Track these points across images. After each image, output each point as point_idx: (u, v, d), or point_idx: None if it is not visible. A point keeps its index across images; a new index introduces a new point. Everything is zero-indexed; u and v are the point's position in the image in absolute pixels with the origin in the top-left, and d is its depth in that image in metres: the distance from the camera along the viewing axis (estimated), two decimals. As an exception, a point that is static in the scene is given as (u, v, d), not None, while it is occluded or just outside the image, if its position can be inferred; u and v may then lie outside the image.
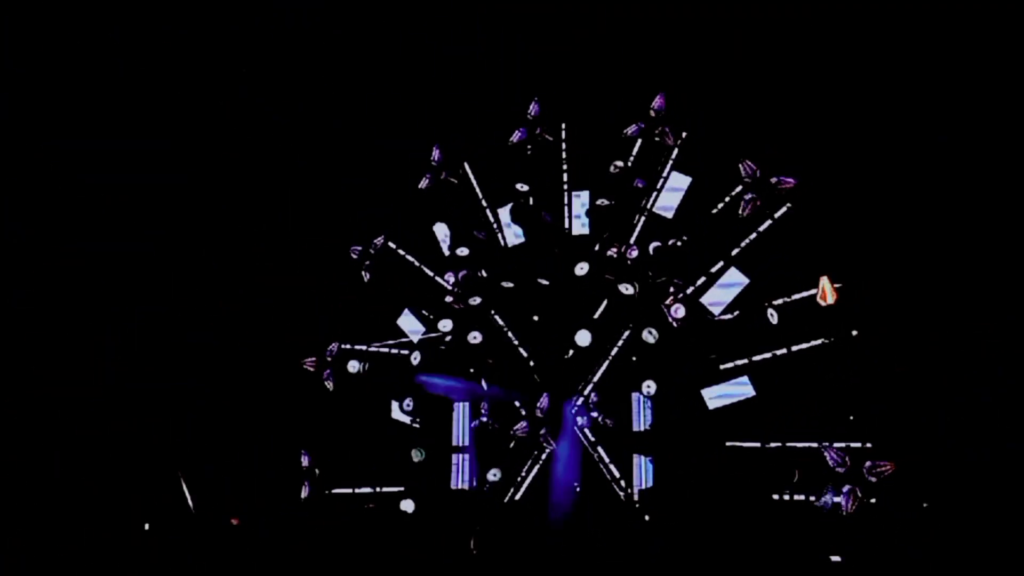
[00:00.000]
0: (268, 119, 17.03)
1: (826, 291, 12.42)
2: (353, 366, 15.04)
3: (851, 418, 12.48)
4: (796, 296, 13.12)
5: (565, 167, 15.28)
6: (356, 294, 15.87)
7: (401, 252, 15.93)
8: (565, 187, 15.23)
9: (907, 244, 13.50)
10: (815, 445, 11.96)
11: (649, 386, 13.20)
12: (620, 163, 14.58)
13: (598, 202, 14.54)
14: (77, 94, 16.86)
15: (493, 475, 13.93)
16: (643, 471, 13.52)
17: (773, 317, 12.98)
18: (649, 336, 13.73)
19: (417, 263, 15.89)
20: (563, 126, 15.37)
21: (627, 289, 13.81)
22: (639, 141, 14.76)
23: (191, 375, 15.93)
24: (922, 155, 13.97)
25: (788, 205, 13.64)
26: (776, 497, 12.54)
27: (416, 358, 14.70)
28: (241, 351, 15.90)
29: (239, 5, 16.62)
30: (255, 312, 16.11)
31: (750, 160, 13.49)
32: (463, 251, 15.14)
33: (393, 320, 15.69)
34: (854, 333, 12.73)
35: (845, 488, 11.42)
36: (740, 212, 13.62)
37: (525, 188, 15.02)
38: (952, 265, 12.89)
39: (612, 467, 13.70)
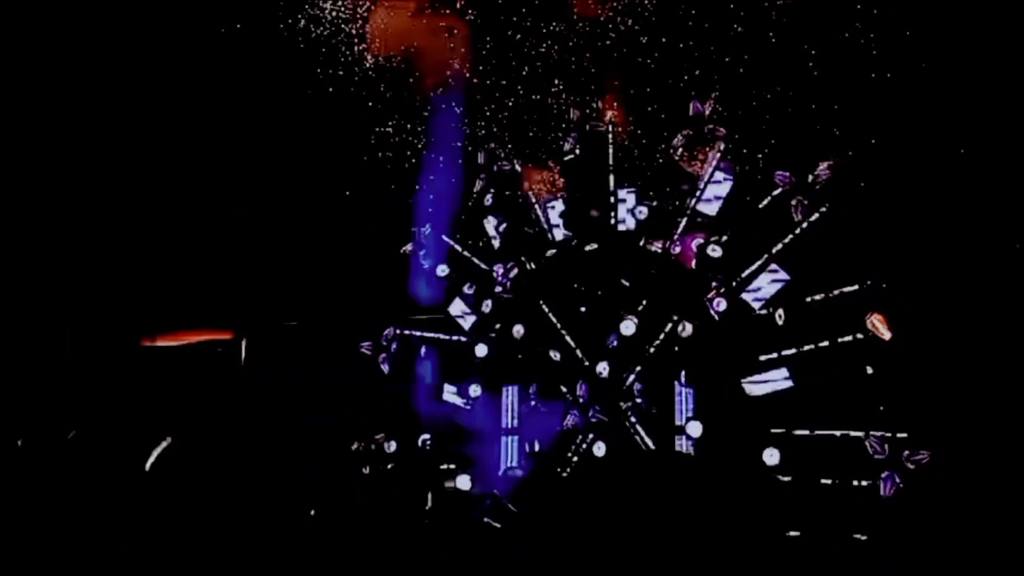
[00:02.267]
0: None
1: (878, 327, 13.12)
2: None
3: (881, 408, 13.23)
4: (835, 292, 13.88)
5: (612, 164, 15.98)
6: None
7: (451, 243, 16.75)
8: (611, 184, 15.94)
9: (944, 241, 14.08)
10: (856, 433, 12.70)
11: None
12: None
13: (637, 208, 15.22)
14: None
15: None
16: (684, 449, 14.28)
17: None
18: (684, 329, 14.45)
19: (466, 253, 16.71)
20: (609, 123, 16.02)
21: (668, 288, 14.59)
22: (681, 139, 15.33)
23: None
24: (960, 154, 14.46)
25: (827, 206, 14.34)
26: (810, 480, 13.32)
27: (481, 350, 15.47)
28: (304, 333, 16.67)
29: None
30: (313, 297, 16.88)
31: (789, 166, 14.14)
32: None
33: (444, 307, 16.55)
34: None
35: (884, 474, 12.21)
36: (794, 213, 14.20)
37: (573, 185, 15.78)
38: (990, 262, 13.46)
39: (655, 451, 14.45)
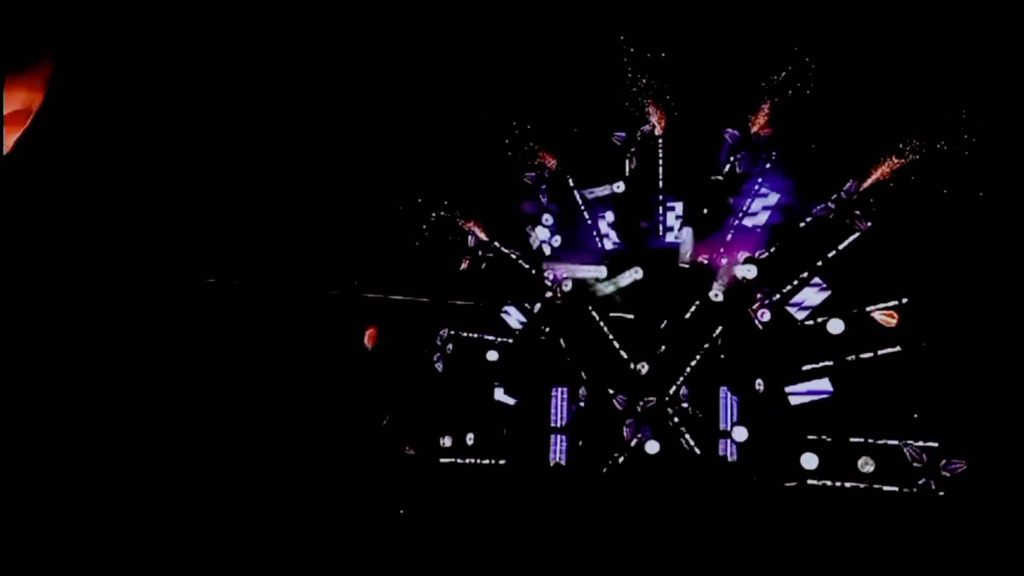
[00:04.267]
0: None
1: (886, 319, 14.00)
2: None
3: (915, 416, 13.94)
4: (875, 307, 14.60)
5: (661, 176, 16.69)
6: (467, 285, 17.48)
7: (505, 250, 17.54)
8: (660, 196, 16.67)
9: (977, 263, 14.70)
10: (895, 442, 13.44)
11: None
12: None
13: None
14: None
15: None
16: (728, 454, 15.04)
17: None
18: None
19: (518, 258, 17.50)
20: (660, 136, 16.70)
21: (716, 296, 15.31)
22: (732, 159, 16.08)
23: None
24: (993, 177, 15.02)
25: (869, 223, 15.03)
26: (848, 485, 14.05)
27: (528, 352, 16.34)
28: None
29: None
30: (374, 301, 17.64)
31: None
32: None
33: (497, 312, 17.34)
34: (923, 344, 14.19)
35: (921, 481, 12.95)
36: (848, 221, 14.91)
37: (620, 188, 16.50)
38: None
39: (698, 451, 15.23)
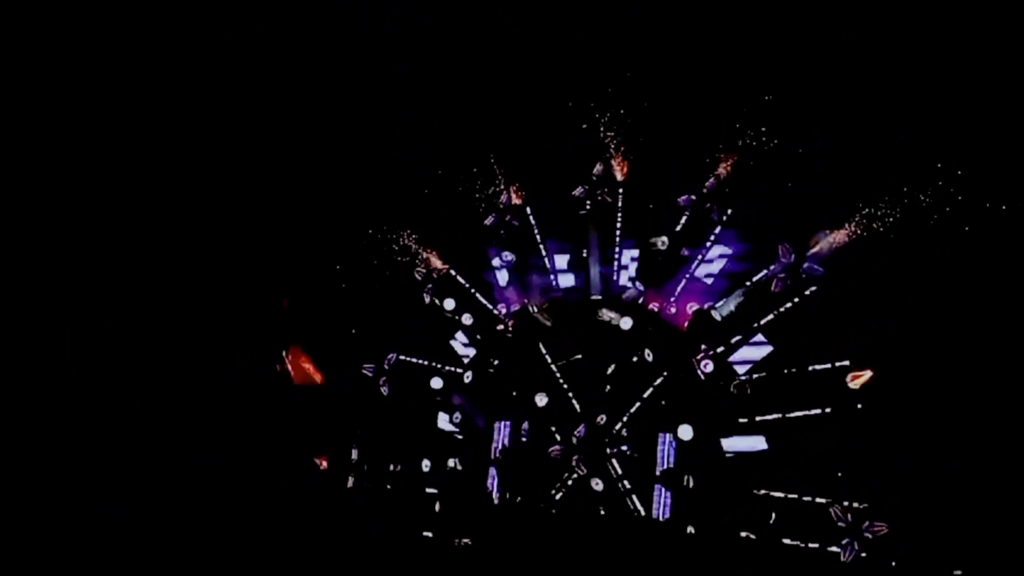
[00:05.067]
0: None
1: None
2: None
3: (839, 475, 14.34)
4: (814, 367, 15.05)
5: (619, 225, 17.08)
6: (416, 313, 17.56)
7: (461, 280, 17.70)
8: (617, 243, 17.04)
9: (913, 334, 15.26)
10: (823, 500, 13.81)
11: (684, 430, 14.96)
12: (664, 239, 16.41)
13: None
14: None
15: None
16: (662, 502, 15.24)
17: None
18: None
19: (473, 290, 17.66)
20: (620, 189, 17.14)
21: (648, 356, 15.69)
22: (686, 213, 16.56)
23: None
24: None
25: (814, 288, 15.56)
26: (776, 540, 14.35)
27: (468, 377, 16.42)
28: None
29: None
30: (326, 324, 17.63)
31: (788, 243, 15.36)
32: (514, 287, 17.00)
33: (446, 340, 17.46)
34: (859, 406, 14.65)
35: (844, 541, 13.31)
36: (772, 288, 15.45)
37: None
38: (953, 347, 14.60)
39: (634, 496, 15.43)
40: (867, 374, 14.34)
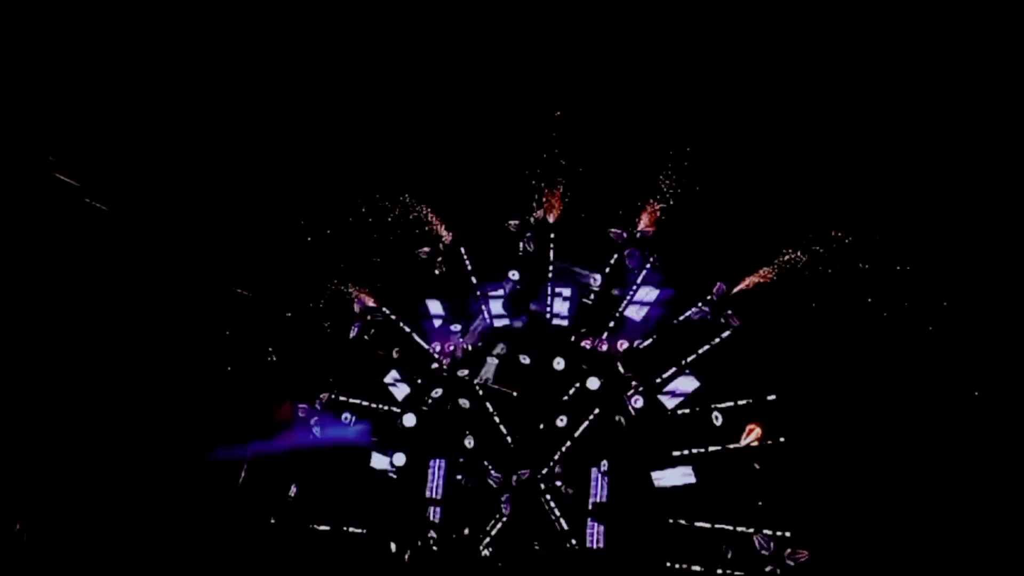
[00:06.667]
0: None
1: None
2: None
3: (760, 503, 15.03)
4: (738, 402, 15.78)
5: (551, 264, 17.55)
6: (348, 351, 17.59)
7: (394, 318, 17.83)
8: (549, 281, 17.48)
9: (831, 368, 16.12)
10: (747, 529, 14.44)
11: (604, 465, 15.42)
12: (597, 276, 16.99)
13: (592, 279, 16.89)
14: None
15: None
16: (595, 535, 15.62)
17: (717, 419, 15.53)
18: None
19: (408, 329, 17.80)
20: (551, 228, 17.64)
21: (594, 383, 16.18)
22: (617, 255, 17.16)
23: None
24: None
25: (736, 324, 16.34)
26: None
27: (410, 420, 16.53)
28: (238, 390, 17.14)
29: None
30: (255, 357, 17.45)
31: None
32: (455, 327, 17.23)
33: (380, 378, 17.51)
34: (782, 439, 15.41)
35: (767, 569, 13.96)
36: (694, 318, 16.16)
37: (515, 276, 17.24)
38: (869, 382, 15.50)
39: (568, 530, 15.75)
40: (756, 430, 15.14)
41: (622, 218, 17.12)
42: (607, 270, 17.06)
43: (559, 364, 16.43)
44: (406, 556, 14.61)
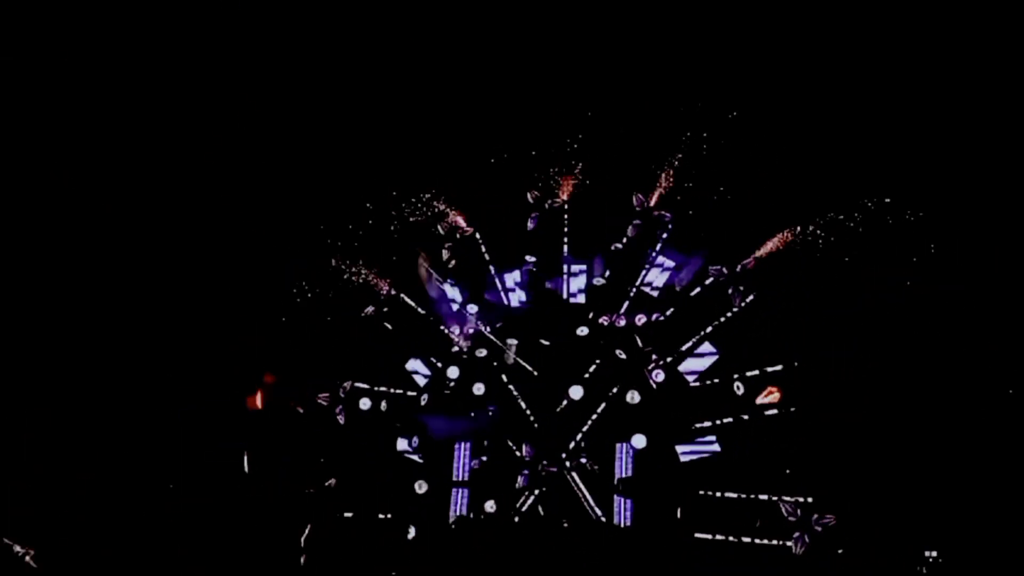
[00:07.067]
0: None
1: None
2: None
3: (787, 471, 15.02)
4: (758, 371, 15.73)
5: (566, 240, 17.54)
6: (370, 338, 17.69)
7: (412, 303, 17.90)
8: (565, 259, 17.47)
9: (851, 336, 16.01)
10: (772, 497, 14.46)
11: (637, 440, 15.45)
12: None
13: (595, 281, 16.90)
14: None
15: (490, 506, 15.89)
16: (623, 511, 15.68)
17: (740, 388, 15.50)
18: (633, 397, 16.06)
19: (425, 313, 17.88)
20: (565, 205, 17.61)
21: (620, 354, 16.18)
22: (631, 227, 17.12)
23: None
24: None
25: (755, 294, 16.28)
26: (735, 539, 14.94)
27: (424, 400, 16.65)
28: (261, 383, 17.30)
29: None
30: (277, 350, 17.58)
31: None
32: (472, 308, 17.28)
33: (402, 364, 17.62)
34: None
35: (796, 534, 13.97)
36: (733, 300, 16.11)
37: (532, 259, 17.26)
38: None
39: (596, 507, 15.83)
40: (775, 393, 15.08)
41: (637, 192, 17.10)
42: (624, 240, 17.00)
43: (582, 331, 16.41)
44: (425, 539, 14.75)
